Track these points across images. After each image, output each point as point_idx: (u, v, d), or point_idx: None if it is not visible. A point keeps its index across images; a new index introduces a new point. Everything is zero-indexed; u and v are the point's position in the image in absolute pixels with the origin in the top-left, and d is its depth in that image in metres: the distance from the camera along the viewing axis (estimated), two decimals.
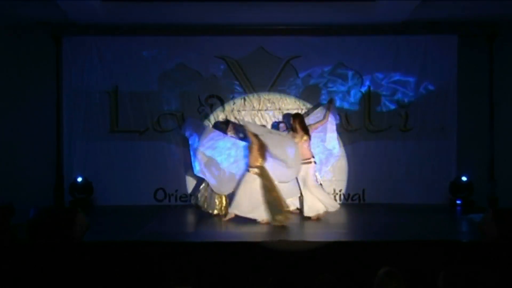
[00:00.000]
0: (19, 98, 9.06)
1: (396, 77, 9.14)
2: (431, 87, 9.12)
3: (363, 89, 9.16)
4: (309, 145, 7.66)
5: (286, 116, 8.78)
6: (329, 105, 8.33)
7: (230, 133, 8.08)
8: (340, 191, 9.10)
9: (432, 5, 7.95)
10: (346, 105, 9.16)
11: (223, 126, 8.47)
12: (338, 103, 9.09)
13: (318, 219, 7.44)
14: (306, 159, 7.55)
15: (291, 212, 7.59)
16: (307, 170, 7.53)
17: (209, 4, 8.11)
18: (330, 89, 9.14)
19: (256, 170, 7.29)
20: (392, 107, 9.16)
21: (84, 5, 7.92)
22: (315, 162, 7.67)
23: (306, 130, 7.66)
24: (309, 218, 7.46)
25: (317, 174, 7.95)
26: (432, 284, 4.75)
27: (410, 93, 9.14)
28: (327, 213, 7.57)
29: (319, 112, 8.41)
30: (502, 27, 8.95)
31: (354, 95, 9.18)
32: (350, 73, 9.17)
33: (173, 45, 9.15)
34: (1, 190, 8.48)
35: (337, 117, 8.45)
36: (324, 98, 9.08)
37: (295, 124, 7.68)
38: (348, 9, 8.38)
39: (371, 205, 8.86)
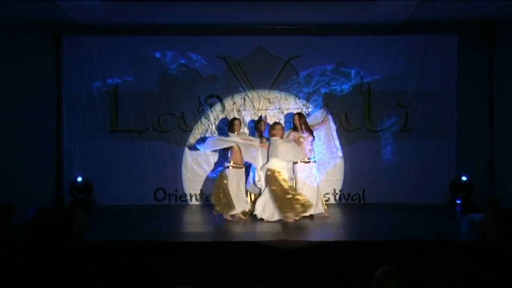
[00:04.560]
0: (19, 98, 9.07)
1: (396, 77, 9.13)
2: (431, 87, 9.11)
3: (363, 89, 9.16)
4: (312, 145, 7.74)
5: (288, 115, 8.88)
6: (327, 108, 8.40)
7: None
8: (340, 191, 9.11)
9: (432, 5, 7.95)
10: (346, 105, 9.16)
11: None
12: (338, 103, 9.11)
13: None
14: (308, 159, 7.66)
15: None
16: (311, 169, 7.69)
17: (209, 4, 8.12)
18: (330, 89, 9.14)
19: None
20: (392, 107, 9.15)
21: (84, 5, 7.92)
22: (314, 162, 7.82)
23: (310, 130, 7.74)
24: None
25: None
26: (431, 283, 4.76)
27: (410, 93, 9.13)
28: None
29: (318, 114, 8.43)
30: (502, 27, 8.94)
31: (354, 95, 9.17)
32: (350, 73, 9.17)
33: (173, 45, 9.15)
34: (1, 190, 8.50)
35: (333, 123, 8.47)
36: (323, 98, 9.08)
37: (300, 123, 7.73)
38: (348, 9, 8.38)
39: (371, 205, 8.85)
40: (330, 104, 8.88)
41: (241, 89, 9.17)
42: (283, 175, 7.50)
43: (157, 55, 9.15)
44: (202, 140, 8.56)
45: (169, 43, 9.16)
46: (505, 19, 8.71)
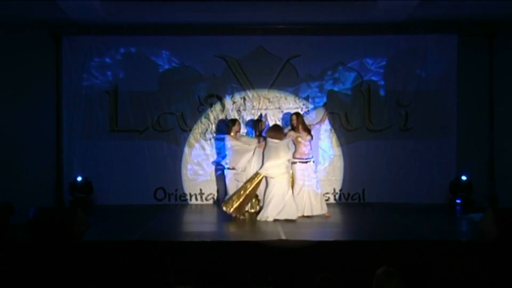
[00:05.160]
0: (19, 98, 9.07)
1: (396, 77, 9.13)
2: (431, 87, 9.12)
3: (363, 89, 9.16)
4: (310, 144, 7.75)
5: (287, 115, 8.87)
6: (325, 107, 8.44)
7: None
8: (340, 190, 9.11)
9: (432, 4, 7.97)
10: (346, 105, 9.16)
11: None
12: (338, 103, 9.11)
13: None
14: (306, 158, 7.64)
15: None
16: (309, 169, 7.69)
17: (209, 4, 8.12)
18: (330, 89, 9.14)
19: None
20: (392, 106, 9.15)
21: (84, 5, 7.93)
22: (313, 161, 7.85)
23: (308, 130, 7.74)
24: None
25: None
26: (432, 283, 4.76)
27: (410, 93, 9.12)
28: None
29: (315, 113, 8.46)
30: (502, 27, 8.95)
31: (354, 95, 9.18)
32: (350, 73, 9.17)
33: (173, 45, 9.15)
34: (1, 190, 8.49)
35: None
36: (323, 98, 9.09)
37: (297, 123, 7.74)
38: (348, 9, 8.39)
39: (371, 205, 8.85)
40: (330, 104, 8.90)
41: (241, 89, 9.16)
42: (274, 176, 7.46)
43: (157, 54, 9.15)
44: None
45: (169, 42, 9.16)
46: (505, 19, 8.72)
